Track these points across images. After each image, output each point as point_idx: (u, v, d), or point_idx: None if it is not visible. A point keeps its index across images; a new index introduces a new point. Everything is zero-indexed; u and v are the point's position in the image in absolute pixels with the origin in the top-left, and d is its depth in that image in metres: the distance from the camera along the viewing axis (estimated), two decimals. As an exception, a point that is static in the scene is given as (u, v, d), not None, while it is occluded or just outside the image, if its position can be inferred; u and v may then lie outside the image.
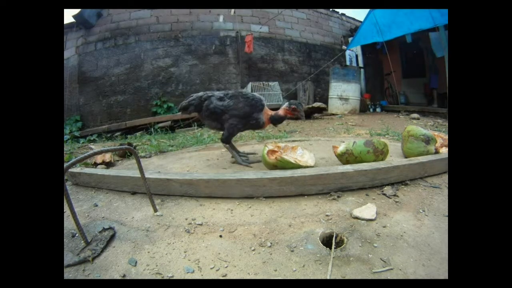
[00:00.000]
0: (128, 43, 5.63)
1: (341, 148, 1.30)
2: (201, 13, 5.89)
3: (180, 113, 1.63)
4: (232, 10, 5.97)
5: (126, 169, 1.44)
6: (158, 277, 0.65)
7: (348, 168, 1.06)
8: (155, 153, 2.06)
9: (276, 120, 1.54)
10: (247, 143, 2.35)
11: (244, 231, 0.83)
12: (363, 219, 0.85)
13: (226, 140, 1.54)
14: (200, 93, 1.59)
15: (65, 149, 2.56)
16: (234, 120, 1.49)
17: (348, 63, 6.69)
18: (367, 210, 0.89)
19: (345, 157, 1.27)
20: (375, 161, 1.19)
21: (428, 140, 1.36)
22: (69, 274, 0.67)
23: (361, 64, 7.00)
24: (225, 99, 1.51)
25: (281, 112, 1.53)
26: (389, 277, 0.61)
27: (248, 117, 1.49)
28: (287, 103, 1.51)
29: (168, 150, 2.17)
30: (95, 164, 1.63)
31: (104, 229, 0.84)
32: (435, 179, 1.17)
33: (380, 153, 1.23)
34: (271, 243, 0.76)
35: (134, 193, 1.14)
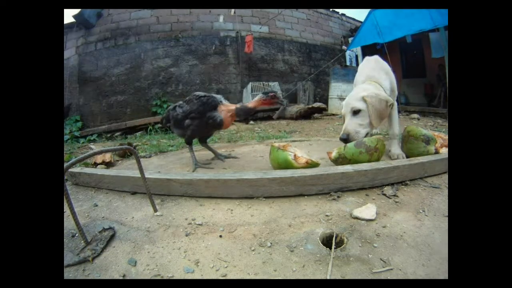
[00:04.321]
0: (128, 43, 5.63)
1: (333, 153, 1.29)
2: (201, 13, 5.89)
3: None
4: (232, 10, 5.96)
5: (126, 169, 1.44)
6: (158, 277, 0.65)
7: (348, 168, 1.06)
8: (155, 153, 2.06)
9: (243, 113, 1.50)
10: (247, 143, 2.35)
11: (244, 231, 0.83)
12: (363, 219, 0.85)
13: (187, 141, 1.60)
14: (171, 105, 1.67)
15: (65, 149, 2.56)
16: (191, 122, 1.50)
17: (348, 63, 6.68)
18: (367, 210, 0.89)
19: (339, 162, 1.25)
20: (370, 160, 1.18)
21: (428, 140, 1.36)
22: (69, 274, 0.67)
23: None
24: (183, 105, 1.56)
25: (250, 104, 1.49)
26: (389, 277, 0.61)
27: (203, 117, 1.47)
28: (262, 94, 1.49)
29: (168, 150, 2.17)
30: (95, 164, 1.63)
31: (104, 229, 0.84)
32: (435, 179, 1.17)
33: (374, 151, 1.20)
34: (271, 243, 0.76)
35: (134, 193, 1.14)
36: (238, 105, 1.51)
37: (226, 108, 1.50)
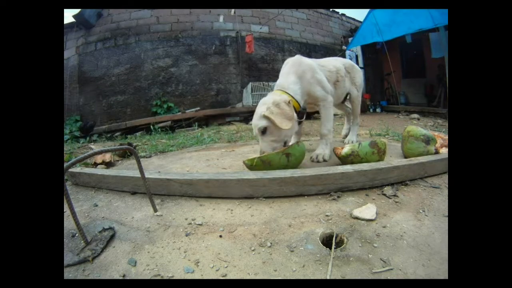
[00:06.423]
0: (128, 43, 5.64)
1: (345, 150, 1.29)
2: (201, 13, 5.90)
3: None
4: (232, 10, 5.97)
5: (126, 169, 1.44)
6: (158, 277, 0.65)
7: (348, 168, 1.06)
8: (155, 153, 2.06)
9: None
10: (247, 143, 2.35)
11: (244, 231, 0.83)
12: (363, 219, 0.85)
13: None
14: None
15: (65, 149, 2.56)
16: None
17: (348, 63, 6.67)
18: (367, 210, 0.89)
19: (350, 159, 1.26)
20: (378, 161, 1.20)
21: (428, 141, 1.36)
22: (69, 274, 0.67)
23: (361, 64, 7.00)
24: None
25: None
26: (389, 277, 0.61)
27: None
28: None
29: (168, 150, 2.17)
30: (95, 164, 1.64)
31: (104, 229, 0.84)
32: (435, 179, 1.17)
33: (382, 153, 1.25)
34: (271, 243, 0.76)
35: (134, 193, 1.14)
36: None
37: None
